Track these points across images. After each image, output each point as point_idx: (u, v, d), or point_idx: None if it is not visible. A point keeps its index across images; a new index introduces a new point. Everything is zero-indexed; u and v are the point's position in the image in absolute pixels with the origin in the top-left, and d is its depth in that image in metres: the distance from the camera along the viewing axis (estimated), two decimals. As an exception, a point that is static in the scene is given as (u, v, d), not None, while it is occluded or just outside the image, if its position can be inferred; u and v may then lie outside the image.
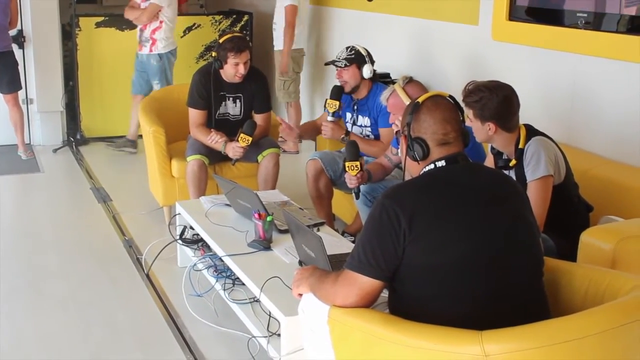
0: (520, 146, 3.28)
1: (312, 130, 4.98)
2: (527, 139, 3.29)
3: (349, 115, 4.73)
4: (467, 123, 3.27)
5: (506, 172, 3.31)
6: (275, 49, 7.00)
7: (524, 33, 4.47)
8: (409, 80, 3.98)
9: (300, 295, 2.58)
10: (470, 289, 2.20)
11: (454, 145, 2.40)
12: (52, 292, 4.14)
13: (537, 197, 3.16)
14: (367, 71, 4.56)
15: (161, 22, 6.61)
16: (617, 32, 3.86)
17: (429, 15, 5.49)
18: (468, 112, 3.26)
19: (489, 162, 3.48)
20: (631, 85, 3.83)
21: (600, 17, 3.99)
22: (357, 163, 3.92)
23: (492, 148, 3.45)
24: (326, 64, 4.79)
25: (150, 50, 6.67)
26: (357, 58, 4.57)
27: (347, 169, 3.93)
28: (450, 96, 2.54)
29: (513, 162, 3.31)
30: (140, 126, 6.35)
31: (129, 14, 6.76)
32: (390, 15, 6.04)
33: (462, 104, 3.24)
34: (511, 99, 3.28)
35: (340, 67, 4.57)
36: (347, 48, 4.64)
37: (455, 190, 2.31)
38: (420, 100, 2.45)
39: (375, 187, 4.03)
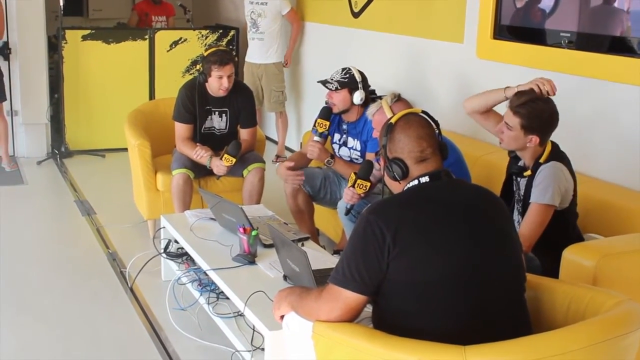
0: (541, 160, 3.28)
1: (301, 160, 4.67)
2: (550, 156, 3.29)
3: (337, 136, 4.59)
4: (499, 128, 3.30)
5: (518, 179, 3.35)
6: (268, 62, 7.03)
7: (509, 52, 4.51)
8: (398, 99, 3.95)
9: (282, 317, 2.58)
10: (453, 305, 2.21)
11: (432, 160, 2.43)
12: (35, 305, 4.12)
13: (533, 220, 3.19)
14: (357, 98, 4.36)
15: None
16: (600, 52, 3.91)
17: (414, 33, 5.52)
18: (512, 119, 3.26)
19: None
20: (612, 104, 3.87)
21: (583, 37, 4.04)
22: (368, 184, 3.82)
23: (511, 151, 3.46)
24: (318, 82, 4.55)
25: None
26: (350, 83, 4.36)
27: (355, 185, 3.81)
28: (424, 111, 2.56)
29: (528, 172, 3.32)
30: None
31: None
32: (375, 32, 6.07)
33: (509, 110, 3.26)
34: (556, 115, 3.30)
35: (330, 89, 4.38)
36: (342, 69, 4.42)
37: (438, 207, 2.33)
38: (392, 120, 2.47)
39: (360, 203, 4.04)
